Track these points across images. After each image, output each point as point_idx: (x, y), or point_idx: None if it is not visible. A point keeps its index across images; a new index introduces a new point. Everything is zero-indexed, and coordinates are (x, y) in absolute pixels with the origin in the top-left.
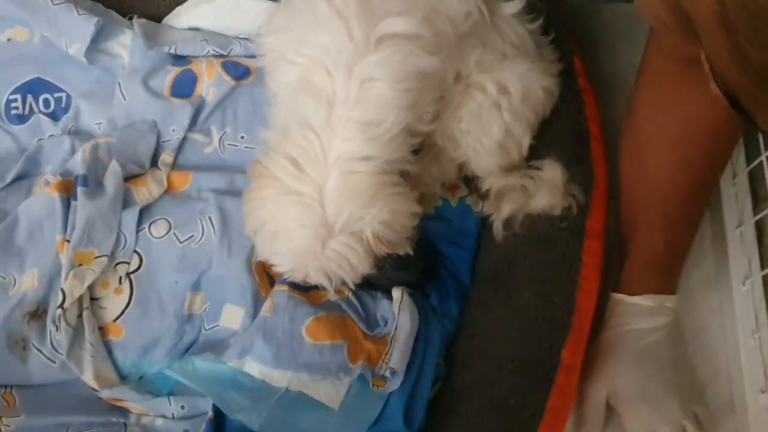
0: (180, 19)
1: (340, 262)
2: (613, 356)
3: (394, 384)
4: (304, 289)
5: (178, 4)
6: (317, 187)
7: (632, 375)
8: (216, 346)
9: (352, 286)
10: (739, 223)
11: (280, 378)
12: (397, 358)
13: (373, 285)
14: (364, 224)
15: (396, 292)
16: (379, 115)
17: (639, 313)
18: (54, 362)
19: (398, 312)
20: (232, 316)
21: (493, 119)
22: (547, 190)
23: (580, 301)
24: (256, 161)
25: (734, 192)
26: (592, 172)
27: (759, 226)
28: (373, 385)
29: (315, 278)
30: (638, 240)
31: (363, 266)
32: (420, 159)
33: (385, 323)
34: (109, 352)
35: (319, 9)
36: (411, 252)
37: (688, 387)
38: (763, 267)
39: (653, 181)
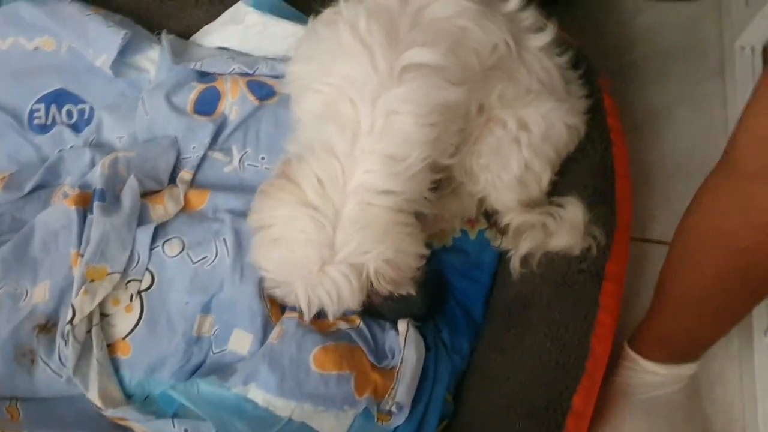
0: (208, 38)
1: (329, 289)
2: (621, 404)
3: (399, 419)
4: (315, 317)
5: (206, 23)
6: (334, 210)
7: (639, 426)
8: (222, 370)
9: (332, 318)
10: None
11: (284, 407)
12: (403, 392)
13: (379, 315)
14: (368, 259)
15: (402, 325)
16: (402, 150)
17: (650, 371)
18: (60, 376)
19: (404, 345)
20: (241, 341)
21: (512, 154)
22: (567, 230)
23: (595, 346)
24: (288, 160)
25: None
26: (614, 213)
27: None
28: (377, 419)
29: (298, 297)
30: (660, 317)
31: (352, 301)
32: (439, 195)
33: (393, 355)
34: (116, 370)
35: (343, 38)
36: (412, 292)
37: None
38: None
39: (700, 278)
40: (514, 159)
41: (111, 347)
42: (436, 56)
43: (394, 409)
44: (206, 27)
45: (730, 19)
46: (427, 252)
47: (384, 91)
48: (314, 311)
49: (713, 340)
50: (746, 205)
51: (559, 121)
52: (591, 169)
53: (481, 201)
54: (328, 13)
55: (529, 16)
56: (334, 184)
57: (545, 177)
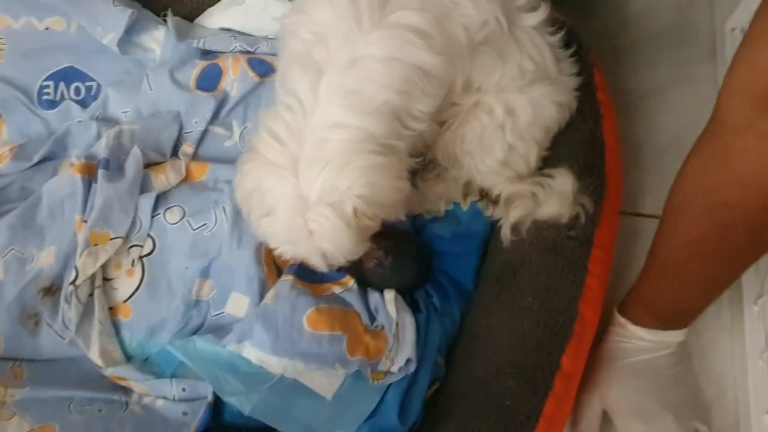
0: (211, 19)
1: (324, 235)
2: (608, 368)
3: (397, 377)
4: (309, 280)
5: (209, 5)
6: (293, 159)
7: (626, 389)
8: (219, 332)
9: (343, 261)
10: None
11: (276, 365)
12: (410, 351)
13: (366, 283)
14: (343, 196)
15: (388, 294)
16: (362, 85)
17: (638, 337)
18: (63, 338)
19: (396, 311)
20: (238, 304)
21: (496, 141)
22: (556, 199)
23: (583, 310)
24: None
25: None
26: (604, 184)
27: None
28: (371, 379)
29: (307, 254)
30: (647, 281)
31: (349, 241)
32: (424, 178)
33: (377, 313)
34: (117, 332)
35: None
36: (402, 218)
37: (691, 405)
38: None
39: (682, 238)
40: (498, 144)
41: (113, 310)
42: (421, 21)
43: (394, 369)
44: (209, 9)
45: (720, 1)
46: (406, 183)
47: (360, 37)
48: (334, 260)
49: (699, 306)
50: (726, 159)
51: (548, 101)
52: (581, 142)
53: (467, 183)
54: None
55: None
56: (293, 132)
57: (532, 156)
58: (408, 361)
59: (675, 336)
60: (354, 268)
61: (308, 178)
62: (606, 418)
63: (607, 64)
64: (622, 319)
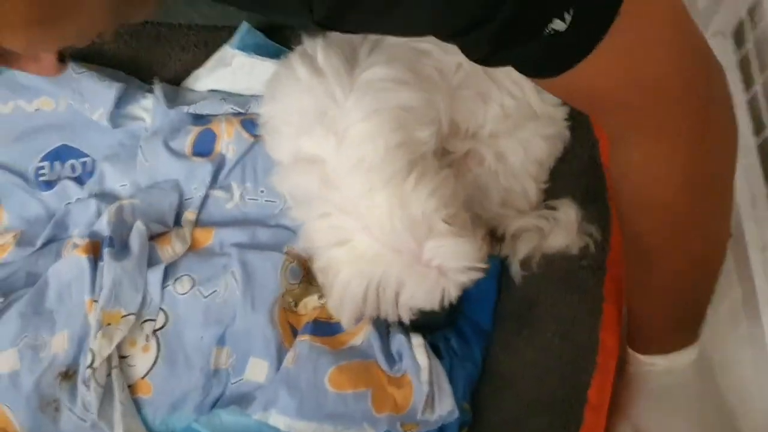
0: (198, 82)
1: (451, 259)
2: (635, 394)
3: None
4: (328, 334)
5: (194, 67)
6: (372, 245)
7: (655, 413)
8: (242, 400)
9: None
10: (763, 246)
11: (305, 429)
12: (451, 401)
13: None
14: (428, 222)
15: (417, 338)
16: (359, 150)
17: (649, 364)
18: (85, 421)
19: (427, 358)
20: (257, 369)
21: (492, 186)
22: (561, 230)
23: (604, 339)
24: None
25: (754, 215)
26: (609, 208)
27: None
28: (404, 431)
29: (456, 289)
30: (633, 313)
31: (469, 242)
32: None
33: (400, 357)
34: (139, 410)
35: (299, 73)
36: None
37: (719, 421)
38: None
39: (638, 260)
40: (494, 190)
41: (132, 387)
42: (392, 71)
43: (433, 417)
44: (196, 72)
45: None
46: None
47: (340, 113)
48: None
49: (696, 318)
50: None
51: (536, 137)
52: (581, 170)
53: None
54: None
55: None
56: (347, 224)
57: (531, 192)
58: (450, 412)
59: (687, 353)
60: None
61: (395, 237)
62: None
63: None
64: (631, 351)
